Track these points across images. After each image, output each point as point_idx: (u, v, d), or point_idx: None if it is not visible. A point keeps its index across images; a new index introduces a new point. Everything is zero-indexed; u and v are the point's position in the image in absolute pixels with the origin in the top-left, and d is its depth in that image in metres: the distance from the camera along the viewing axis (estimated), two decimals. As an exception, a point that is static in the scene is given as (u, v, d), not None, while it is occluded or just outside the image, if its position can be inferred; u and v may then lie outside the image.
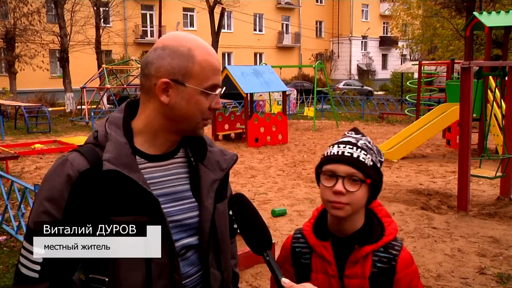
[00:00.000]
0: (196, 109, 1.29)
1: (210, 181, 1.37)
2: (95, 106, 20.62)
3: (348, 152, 1.42)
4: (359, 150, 1.43)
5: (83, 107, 18.31)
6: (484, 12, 10.63)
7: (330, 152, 1.45)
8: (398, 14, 27.85)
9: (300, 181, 8.21)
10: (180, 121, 1.30)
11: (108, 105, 21.22)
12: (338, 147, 1.44)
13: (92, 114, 16.66)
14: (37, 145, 11.87)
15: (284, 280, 1.22)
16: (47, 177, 1.26)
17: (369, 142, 1.48)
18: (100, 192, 1.22)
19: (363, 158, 1.42)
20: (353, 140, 1.46)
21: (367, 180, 1.41)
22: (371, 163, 1.43)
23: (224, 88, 1.38)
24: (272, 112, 15.95)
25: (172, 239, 1.26)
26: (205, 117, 1.32)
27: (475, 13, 10.67)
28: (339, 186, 1.39)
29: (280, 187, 7.81)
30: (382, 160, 1.51)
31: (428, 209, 6.41)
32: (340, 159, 1.41)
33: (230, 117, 14.13)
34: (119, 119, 1.32)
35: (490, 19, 10.20)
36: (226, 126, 13.83)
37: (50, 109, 20.05)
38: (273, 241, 4.80)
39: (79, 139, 12.98)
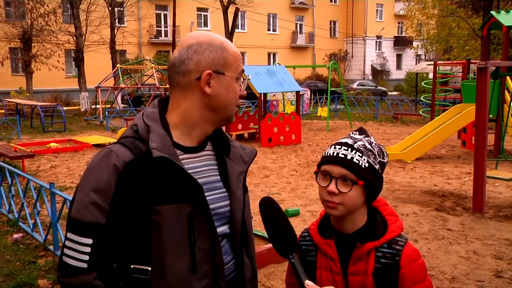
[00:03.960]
0: (233, 96, 1.40)
1: (237, 173, 1.46)
2: (109, 106, 20.80)
3: (343, 154, 1.45)
4: (354, 151, 1.45)
5: (97, 106, 18.50)
6: (502, 11, 10.48)
7: (327, 153, 1.50)
8: (413, 13, 27.61)
9: (313, 182, 8.18)
10: (220, 110, 1.39)
11: (122, 105, 21.42)
12: (334, 148, 1.48)
13: (107, 113, 16.79)
14: (52, 144, 12.03)
15: (308, 283, 1.24)
16: (92, 169, 1.29)
17: (370, 143, 1.49)
18: (146, 182, 1.27)
19: (357, 160, 1.44)
20: (350, 142, 1.48)
21: (359, 181, 1.43)
22: (367, 165, 1.45)
23: (249, 76, 1.46)
24: (286, 112, 15.92)
25: (214, 225, 1.33)
26: (238, 103, 1.44)
27: (493, 12, 10.52)
28: (331, 187, 1.44)
29: (293, 187, 7.79)
30: (385, 160, 1.51)
31: (443, 210, 6.34)
32: (334, 160, 1.45)
33: (243, 117, 14.14)
34: (155, 113, 1.37)
35: (508, 18, 10.05)
36: (240, 126, 13.84)
37: (65, 108, 20.27)
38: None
39: (94, 138, 13.12)
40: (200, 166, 1.40)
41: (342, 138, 1.53)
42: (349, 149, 1.46)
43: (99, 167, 1.27)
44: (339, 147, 1.47)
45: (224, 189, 1.42)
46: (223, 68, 1.36)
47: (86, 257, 1.24)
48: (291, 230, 1.34)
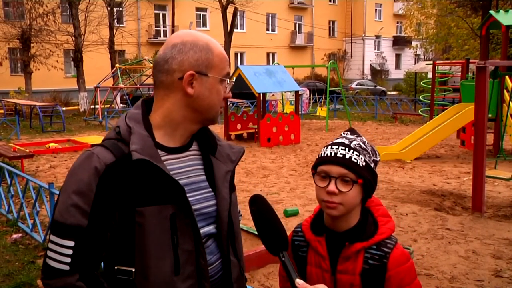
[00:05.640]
0: (216, 98, 1.39)
1: (224, 172, 1.44)
2: (108, 106, 20.79)
3: (341, 154, 1.47)
4: (351, 151, 1.47)
5: (96, 106, 18.48)
6: (501, 11, 10.49)
7: (324, 153, 1.51)
8: (412, 13, 27.62)
9: (312, 181, 8.15)
10: (203, 110, 1.37)
11: (121, 105, 21.41)
12: (331, 148, 1.50)
13: (106, 113, 16.78)
14: (51, 144, 12.02)
15: (298, 281, 1.25)
16: (73, 171, 1.29)
17: (364, 143, 1.52)
18: (127, 184, 1.27)
19: (355, 159, 1.46)
20: (346, 141, 1.50)
21: (359, 180, 1.45)
22: (364, 164, 1.48)
23: (234, 79, 1.45)
24: (285, 112, 15.92)
25: (197, 226, 1.32)
26: (222, 105, 1.43)
27: (492, 12, 10.54)
28: (331, 187, 1.44)
29: (292, 187, 7.80)
30: (378, 159, 1.55)
31: (442, 210, 6.35)
32: (332, 160, 1.47)
33: (242, 117, 14.14)
34: (138, 114, 1.37)
35: (507, 17, 10.07)
36: (239, 126, 13.84)
37: (64, 108, 20.26)
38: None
39: (93, 138, 13.11)
40: (185, 167, 1.39)
41: (336, 139, 1.55)
42: (347, 149, 1.48)
43: (81, 170, 1.27)
44: (336, 147, 1.49)
45: (210, 189, 1.41)
46: (206, 69, 1.34)
47: (68, 260, 1.24)
48: (281, 228, 1.34)
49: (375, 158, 1.53)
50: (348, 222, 1.51)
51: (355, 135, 1.55)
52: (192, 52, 1.33)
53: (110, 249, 1.31)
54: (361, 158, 1.47)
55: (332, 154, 1.47)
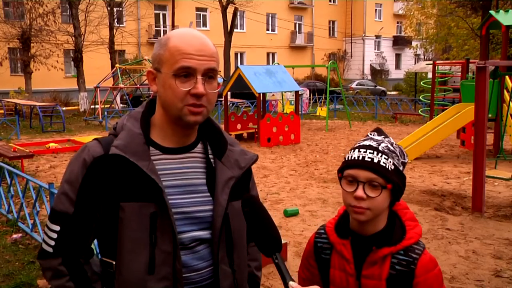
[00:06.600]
0: (171, 94, 1.30)
1: (226, 177, 1.40)
2: (108, 106, 20.79)
3: (369, 157, 1.41)
4: (380, 154, 1.41)
5: (96, 106, 18.48)
6: (501, 11, 10.49)
7: (351, 156, 1.44)
8: (412, 13, 27.62)
9: (312, 181, 8.19)
10: (166, 107, 1.34)
11: (121, 105, 21.41)
12: (359, 151, 1.43)
13: (106, 113, 16.78)
14: (51, 144, 12.01)
15: (292, 284, 1.21)
16: (69, 163, 1.38)
17: (392, 144, 1.47)
18: (111, 177, 1.30)
19: (384, 163, 1.40)
20: (374, 144, 1.44)
21: (388, 185, 1.40)
22: (393, 167, 1.42)
23: (222, 79, 1.42)
24: (285, 112, 15.93)
25: (175, 229, 1.30)
26: (186, 103, 1.29)
27: (492, 12, 10.53)
28: (359, 192, 1.39)
29: (292, 187, 7.79)
30: (406, 160, 1.49)
31: (442, 210, 6.35)
32: (360, 164, 1.41)
33: (242, 117, 14.15)
34: (139, 113, 1.40)
35: (507, 17, 10.07)
36: (239, 126, 13.84)
37: (64, 108, 20.26)
38: (284, 242, 4.78)
39: (93, 138, 13.10)
40: (182, 168, 1.37)
41: (363, 140, 1.48)
42: (375, 152, 1.42)
43: (74, 161, 1.36)
44: (364, 150, 1.43)
45: (208, 194, 1.38)
46: (159, 65, 1.33)
47: (52, 243, 1.33)
48: (274, 229, 1.31)
49: (403, 160, 1.47)
50: (375, 226, 1.46)
51: (383, 136, 1.48)
52: (154, 50, 1.36)
53: (98, 240, 1.37)
54: (390, 162, 1.41)
55: (360, 158, 1.41)
